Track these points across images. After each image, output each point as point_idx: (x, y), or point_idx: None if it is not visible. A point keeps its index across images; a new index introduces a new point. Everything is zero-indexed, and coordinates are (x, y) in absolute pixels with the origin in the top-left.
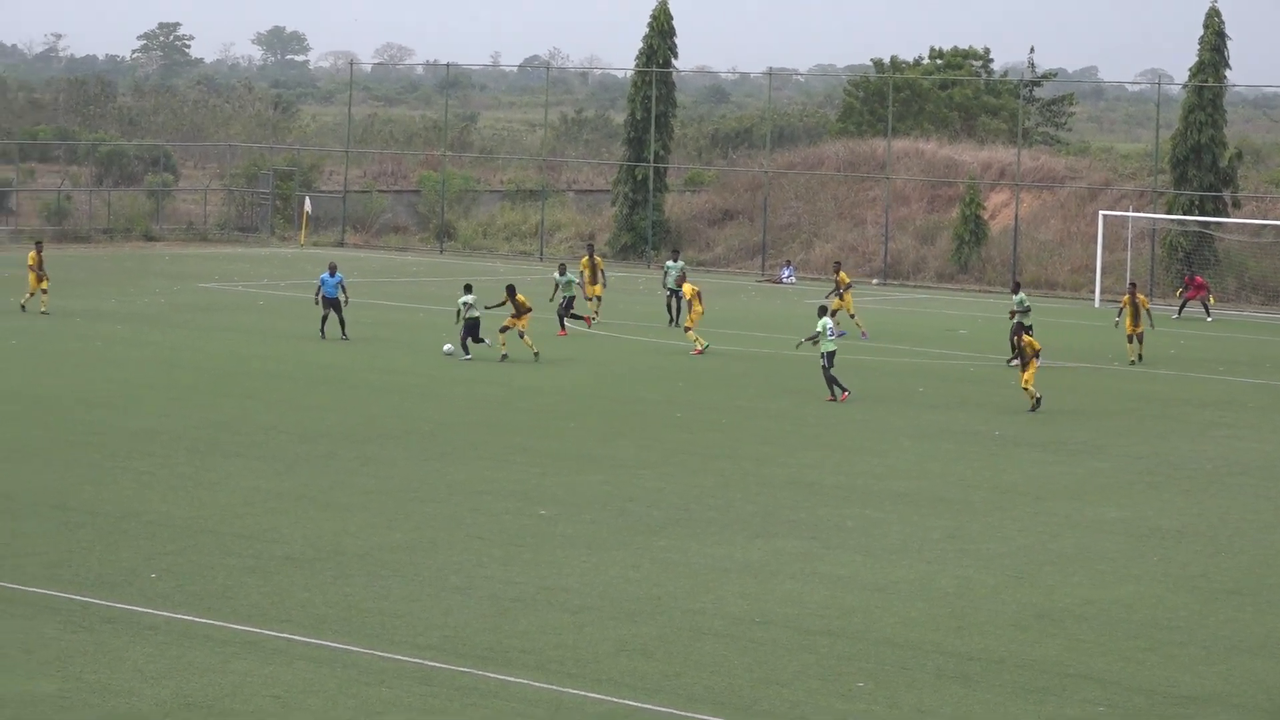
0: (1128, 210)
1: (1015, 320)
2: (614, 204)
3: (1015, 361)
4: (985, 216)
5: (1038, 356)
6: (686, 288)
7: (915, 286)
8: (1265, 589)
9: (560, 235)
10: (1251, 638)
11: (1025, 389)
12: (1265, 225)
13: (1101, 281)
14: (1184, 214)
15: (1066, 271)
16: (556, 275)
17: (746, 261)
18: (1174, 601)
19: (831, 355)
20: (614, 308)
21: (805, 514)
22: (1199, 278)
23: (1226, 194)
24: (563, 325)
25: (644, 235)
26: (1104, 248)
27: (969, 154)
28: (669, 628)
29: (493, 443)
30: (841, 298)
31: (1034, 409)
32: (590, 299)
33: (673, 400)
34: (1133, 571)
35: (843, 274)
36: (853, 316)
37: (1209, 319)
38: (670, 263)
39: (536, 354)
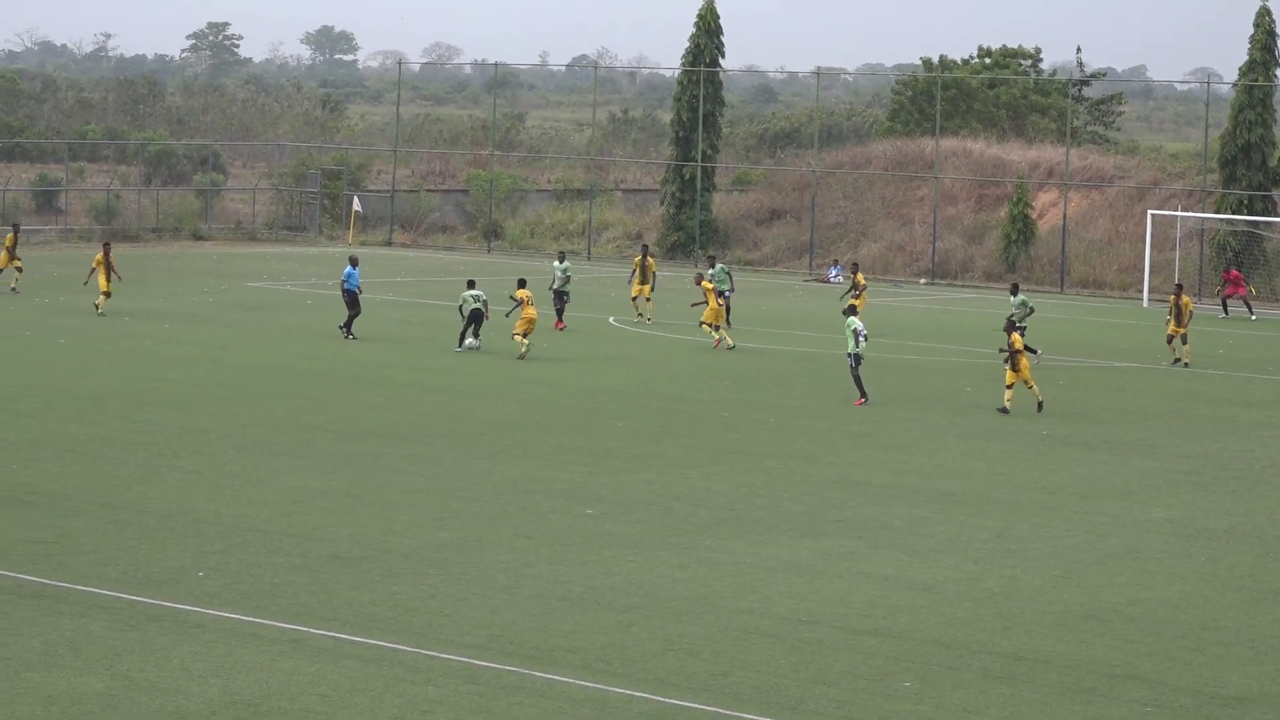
0: (1176, 210)
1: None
2: (662, 203)
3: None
4: (1033, 216)
5: (1033, 352)
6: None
7: (963, 286)
8: None
9: (608, 234)
10: None
11: (1028, 388)
12: None
13: (1150, 281)
14: (1233, 213)
15: (1115, 271)
16: (555, 264)
17: (794, 261)
18: (1221, 602)
19: (859, 357)
20: (662, 307)
21: (852, 513)
22: (1234, 270)
23: (1276, 193)
24: (560, 317)
25: (692, 234)
26: (1152, 247)
27: (1017, 153)
28: (715, 627)
29: (540, 442)
30: (858, 298)
31: (1039, 409)
32: (636, 298)
33: (720, 400)
34: (1180, 571)
35: (860, 275)
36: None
37: (1253, 317)
38: (711, 269)
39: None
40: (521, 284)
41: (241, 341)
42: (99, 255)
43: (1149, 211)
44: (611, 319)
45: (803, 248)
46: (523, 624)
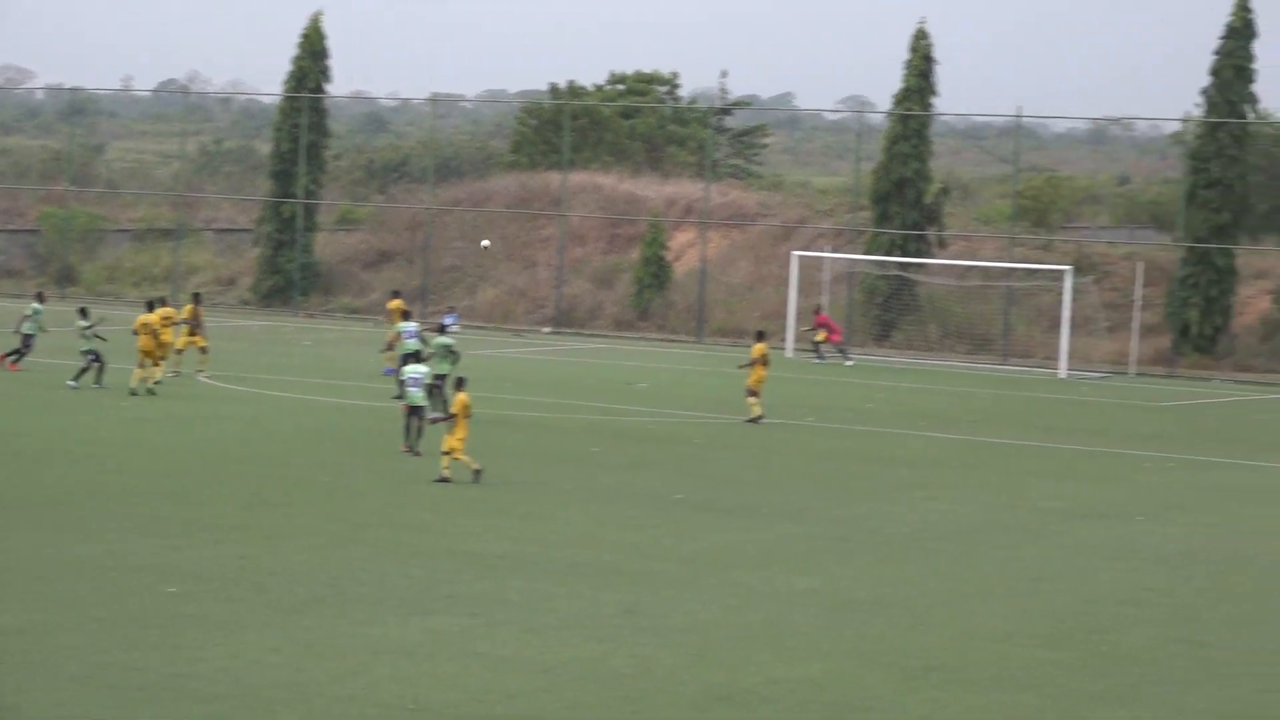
0: (824, 250)
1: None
2: (257, 244)
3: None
4: (669, 258)
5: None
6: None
7: (591, 335)
8: (966, 665)
9: (197, 279)
10: (950, 717)
11: (454, 455)
12: (971, 267)
13: (796, 328)
14: (886, 254)
15: (757, 317)
16: (34, 304)
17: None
18: (868, 680)
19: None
20: (251, 361)
21: (465, 588)
22: (823, 314)
23: (931, 233)
24: (17, 359)
25: (291, 279)
26: (798, 291)
27: (652, 189)
28: (312, 717)
29: (119, 512)
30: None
31: (475, 478)
32: (183, 350)
33: (322, 463)
34: (824, 647)
35: (397, 303)
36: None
37: (824, 360)
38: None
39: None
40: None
41: None
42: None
43: (794, 252)
44: (200, 376)
45: (415, 293)
46: (94, 718)
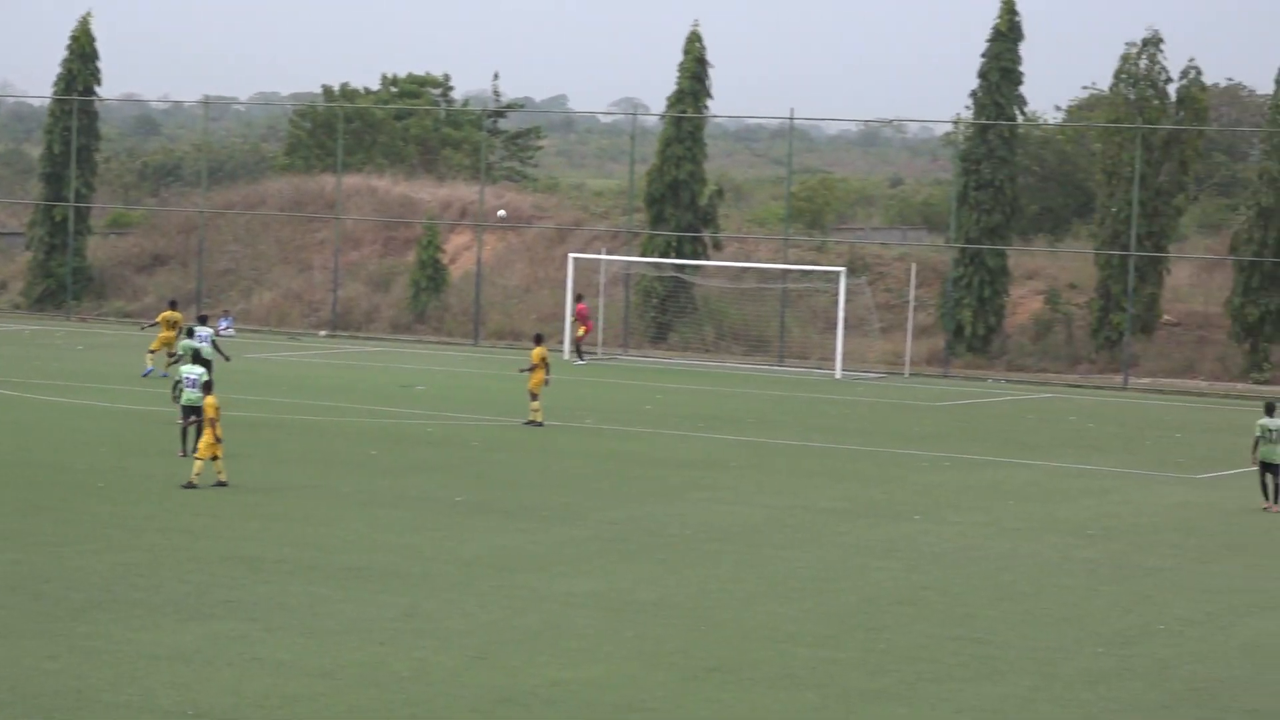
0: (600, 253)
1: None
2: (29, 248)
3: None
4: (445, 261)
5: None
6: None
7: (368, 338)
8: (747, 665)
9: None
10: (733, 717)
11: (201, 458)
12: (746, 268)
13: (572, 331)
14: (661, 256)
15: (534, 320)
16: None
17: (179, 311)
18: (650, 681)
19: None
20: (29, 365)
21: (244, 592)
22: (584, 304)
23: (706, 234)
24: None
25: (64, 283)
26: (575, 294)
27: (428, 191)
28: None
29: None
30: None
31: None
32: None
33: (97, 468)
34: (605, 649)
35: (171, 313)
36: (153, 351)
37: (580, 361)
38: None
39: None
40: None
41: None
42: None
43: (570, 255)
44: None
45: (190, 297)
46: None
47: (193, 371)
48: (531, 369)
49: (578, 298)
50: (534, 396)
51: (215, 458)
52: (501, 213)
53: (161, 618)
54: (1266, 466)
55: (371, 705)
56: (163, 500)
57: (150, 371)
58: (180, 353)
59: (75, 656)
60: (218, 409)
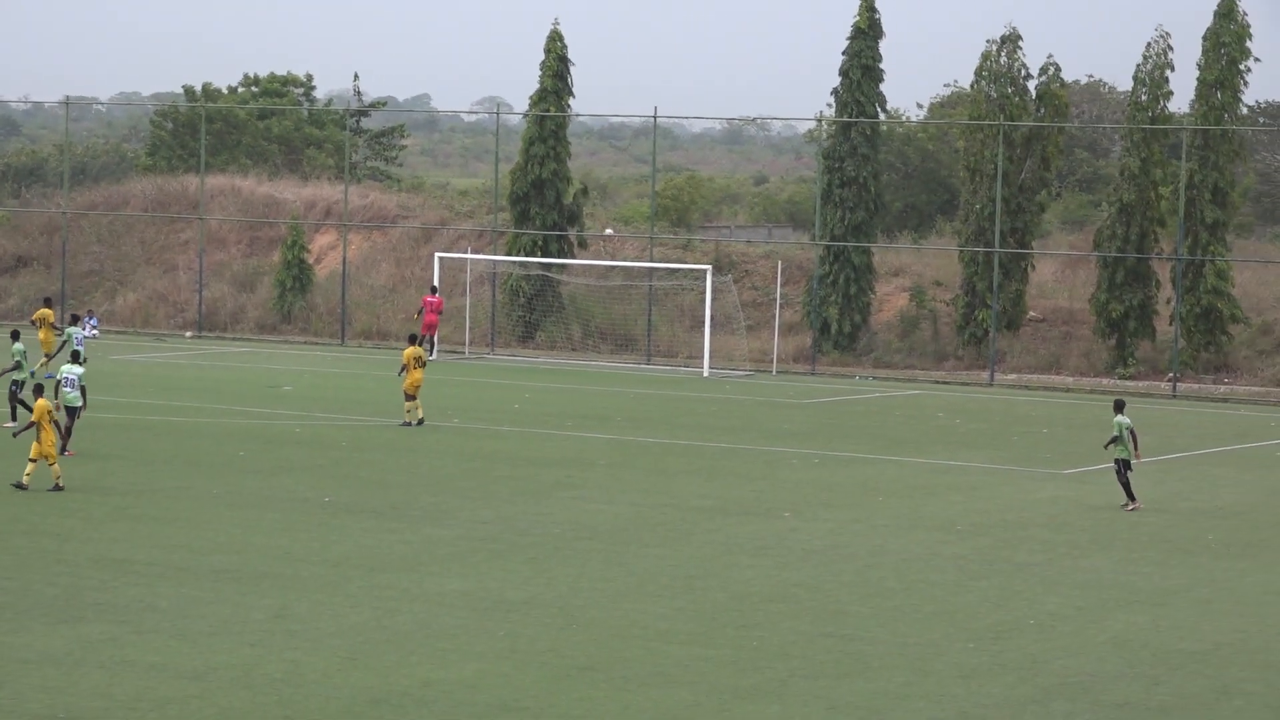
0: (465, 252)
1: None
2: None
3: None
4: (310, 260)
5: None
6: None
7: (234, 339)
8: (620, 663)
9: None
10: (606, 716)
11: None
12: (612, 267)
13: (439, 330)
14: (527, 255)
15: (401, 320)
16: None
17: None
18: (522, 680)
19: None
20: None
21: (114, 595)
22: (437, 297)
23: (572, 233)
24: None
25: None
26: (441, 293)
27: (292, 191)
28: None
29: None
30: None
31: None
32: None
33: None
34: (477, 648)
35: (45, 311)
36: (50, 357)
37: (431, 356)
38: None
39: None
40: None
41: None
42: None
43: (436, 254)
44: None
45: (54, 298)
46: None
47: (72, 371)
48: (403, 370)
49: (432, 289)
50: (409, 396)
51: (51, 462)
52: (609, 230)
53: (30, 621)
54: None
55: (244, 707)
56: (29, 503)
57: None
58: (54, 352)
59: None
60: (50, 412)
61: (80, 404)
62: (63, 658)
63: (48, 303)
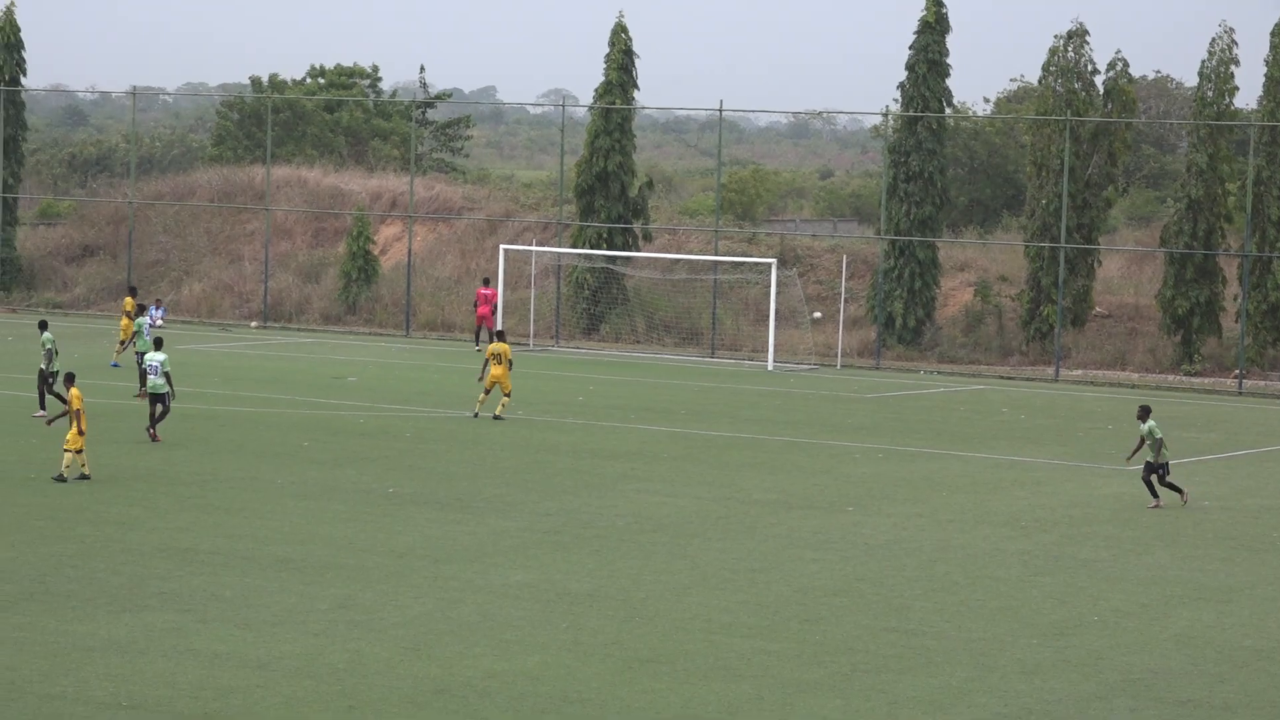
0: (530, 244)
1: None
2: None
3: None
4: (375, 252)
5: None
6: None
7: (299, 329)
8: (682, 656)
9: None
10: (668, 709)
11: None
12: (677, 260)
13: (504, 322)
14: (592, 247)
15: (465, 311)
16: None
17: (109, 302)
18: (584, 672)
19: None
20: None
21: (178, 584)
22: (491, 289)
23: (637, 226)
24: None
25: None
26: (506, 285)
27: (357, 182)
28: (23, 716)
29: None
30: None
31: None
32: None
33: (27, 459)
34: (539, 640)
35: (129, 300)
36: (124, 344)
37: (477, 348)
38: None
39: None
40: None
41: None
42: None
43: (501, 246)
44: None
45: (119, 288)
46: None
47: (155, 358)
48: (485, 366)
49: (484, 281)
50: (492, 391)
51: (79, 450)
52: (817, 314)
53: (95, 609)
54: (1153, 467)
55: (307, 697)
56: (94, 492)
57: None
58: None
59: (7, 648)
60: (83, 400)
61: (166, 390)
62: (127, 646)
63: (132, 292)
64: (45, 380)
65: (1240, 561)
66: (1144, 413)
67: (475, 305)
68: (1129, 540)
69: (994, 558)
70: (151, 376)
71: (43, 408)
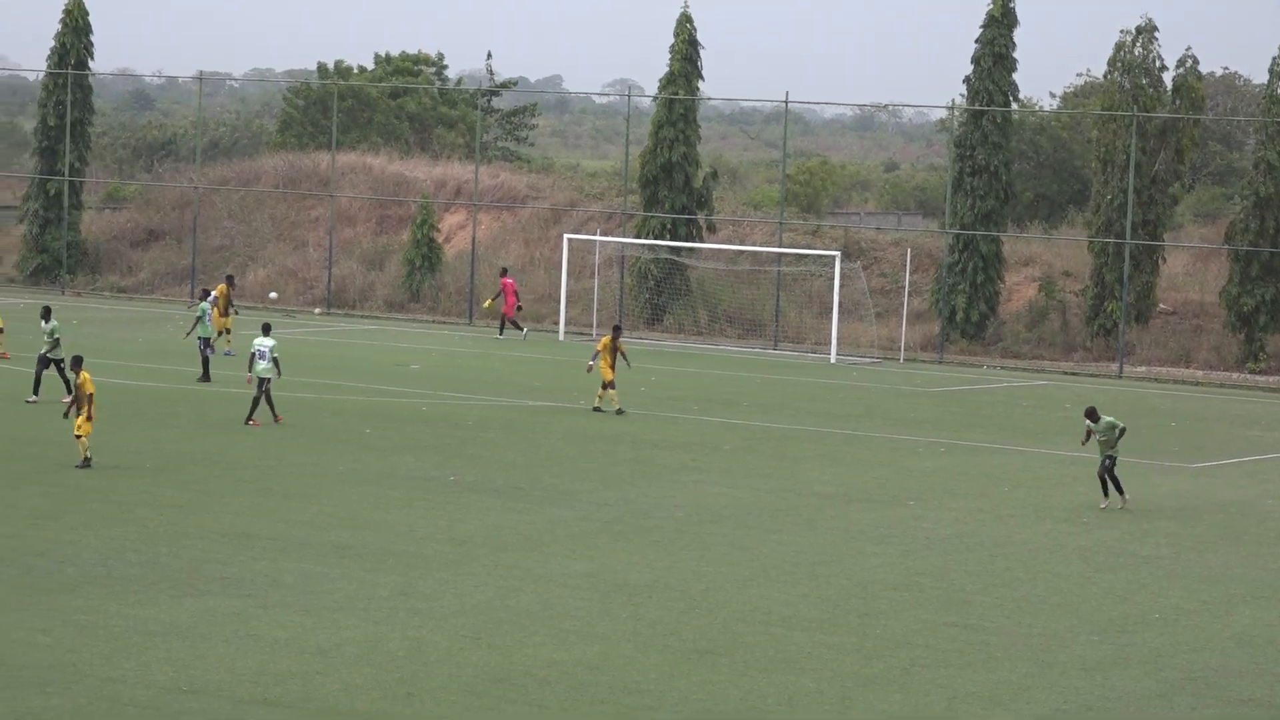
0: (594, 234)
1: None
2: (22, 222)
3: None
4: (439, 239)
5: (89, 402)
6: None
7: (362, 316)
8: (741, 648)
9: None
10: (726, 700)
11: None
12: (741, 251)
13: (567, 312)
14: (655, 238)
15: (529, 300)
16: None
17: (174, 287)
18: (643, 663)
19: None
20: (22, 339)
21: (238, 569)
22: (509, 279)
23: (701, 217)
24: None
25: (59, 257)
26: (569, 275)
27: (422, 170)
28: (84, 699)
29: None
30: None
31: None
32: (222, 332)
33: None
34: (598, 630)
35: (221, 287)
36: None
37: (522, 335)
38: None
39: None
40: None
41: None
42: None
43: (565, 235)
44: None
45: (184, 272)
46: None
47: (264, 344)
48: (595, 357)
49: (503, 271)
50: (608, 385)
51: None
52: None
53: (156, 593)
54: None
55: (367, 684)
56: (155, 475)
57: (232, 353)
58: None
59: (69, 631)
60: (93, 383)
61: (273, 375)
62: (188, 630)
63: (229, 281)
64: (46, 365)
65: None
66: (1093, 413)
67: (499, 295)
68: (1190, 537)
69: (1055, 553)
70: (260, 362)
71: (35, 392)
